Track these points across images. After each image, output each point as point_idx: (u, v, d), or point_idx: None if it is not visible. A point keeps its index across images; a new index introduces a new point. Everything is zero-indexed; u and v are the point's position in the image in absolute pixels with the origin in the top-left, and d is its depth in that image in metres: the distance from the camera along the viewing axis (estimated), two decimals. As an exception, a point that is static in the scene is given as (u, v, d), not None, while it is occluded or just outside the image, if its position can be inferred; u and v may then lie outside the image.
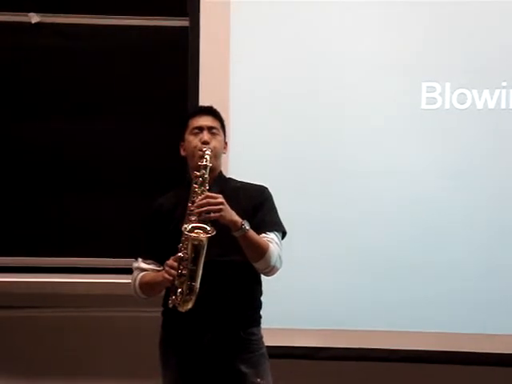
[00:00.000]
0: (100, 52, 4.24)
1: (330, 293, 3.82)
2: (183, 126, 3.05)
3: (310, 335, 3.83)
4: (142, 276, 3.00)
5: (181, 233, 2.79)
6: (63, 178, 4.28)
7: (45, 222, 4.27)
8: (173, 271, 2.73)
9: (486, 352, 3.80)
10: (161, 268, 2.91)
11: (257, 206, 2.97)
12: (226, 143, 3.08)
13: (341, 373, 3.98)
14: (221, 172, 3.05)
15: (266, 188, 3.06)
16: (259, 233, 2.89)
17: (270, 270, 2.92)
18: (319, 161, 3.84)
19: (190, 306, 2.75)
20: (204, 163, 2.84)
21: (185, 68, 3.94)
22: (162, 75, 4.21)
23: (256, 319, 3.02)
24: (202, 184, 2.82)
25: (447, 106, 3.83)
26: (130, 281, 3.07)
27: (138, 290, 3.02)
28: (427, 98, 3.83)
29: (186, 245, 2.73)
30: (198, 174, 2.84)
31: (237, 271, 2.91)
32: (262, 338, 3.03)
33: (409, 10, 3.83)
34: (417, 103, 3.83)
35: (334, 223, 3.82)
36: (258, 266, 2.89)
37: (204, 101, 3.82)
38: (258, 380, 2.94)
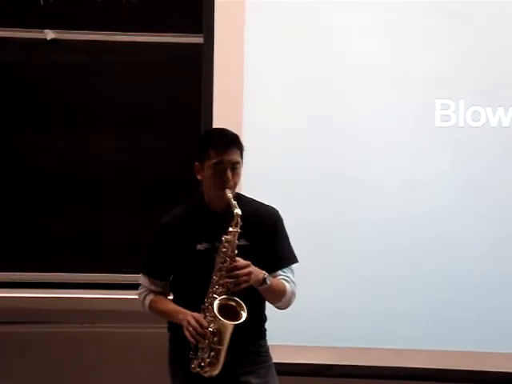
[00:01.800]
0: (114, 68, 4.27)
1: (341, 310, 3.80)
2: (202, 148, 2.88)
3: (320, 352, 3.81)
4: (154, 301, 2.99)
5: (192, 257, 2.84)
6: (72, 192, 4.30)
7: (51, 237, 4.29)
8: (199, 338, 2.74)
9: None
10: (166, 287, 2.98)
11: (270, 235, 2.94)
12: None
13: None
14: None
15: (278, 212, 3.01)
16: (275, 269, 2.91)
17: (285, 307, 2.97)
18: (330, 175, 3.83)
19: (216, 373, 2.80)
20: (235, 229, 2.76)
21: (199, 85, 3.95)
22: (176, 91, 4.23)
23: (263, 332, 3.03)
24: (231, 250, 2.76)
25: (461, 123, 3.81)
26: (136, 297, 3.07)
27: (146, 309, 3.04)
28: (441, 115, 3.82)
29: (213, 318, 2.75)
30: (228, 238, 2.77)
31: (243, 294, 2.86)
32: (268, 350, 3.04)
33: (424, 27, 3.82)
34: (431, 120, 3.82)
35: (345, 239, 3.82)
36: (273, 304, 2.95)
37: (218, 117, 3.86)
38: None
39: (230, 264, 2.74)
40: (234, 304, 2.75)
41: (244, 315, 2.72)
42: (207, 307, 2.78)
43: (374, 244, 3.81)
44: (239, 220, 2.76)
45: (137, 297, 3.07)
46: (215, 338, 2.75)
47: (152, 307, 3.00)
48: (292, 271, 2.98)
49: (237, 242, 2.77)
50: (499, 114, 3.78)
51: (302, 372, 3.79)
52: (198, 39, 4.07)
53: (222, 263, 2.77)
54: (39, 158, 4.29)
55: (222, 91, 3.91)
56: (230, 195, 2.79)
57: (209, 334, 2.75)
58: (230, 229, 2.76)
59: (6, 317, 4.17)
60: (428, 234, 3.79)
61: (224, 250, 2.77)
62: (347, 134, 3.85)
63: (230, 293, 2.75)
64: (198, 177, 2.92)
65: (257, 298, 2.90)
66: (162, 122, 4.26)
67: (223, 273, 2.76)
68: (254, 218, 2.90)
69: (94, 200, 4.30)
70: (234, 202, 2.78)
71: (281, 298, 2.91)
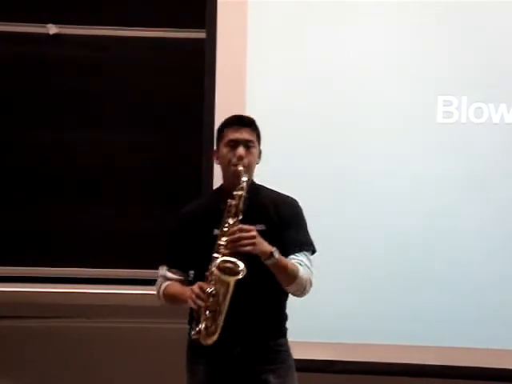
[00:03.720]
0: (117, 63, 4.28)
1: (345, 306, 3.80)
2: (218, 132, 2.98)
3: (324, 348, 3.81)
4: (167, 286, 3.00)
5: (209, 242, 2.80)
6: (80, 188, 4.31)
7: (64, 232, 4.31)
8: (199, 302, 2.72)
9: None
10: (184, 277, 2.96)
11: (287, 221, 2.95)
12: (260, 152, 3.01)
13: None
14: (252, 181, 2.99)
15: (297, 202, 3.03)
16: (289, 253, 2.90)
17: (301, 293, 2.94)
18: (332, 173, 3.84)
19: (213, 340, 2.76)
20: (239, 193, 2.78)
21: (201, 80, 3.94)
22: (178, 87, 4.23)
23: (283, 331, 3.03)
24: (235, 214, 2.77)
25: (463, 119, 3.80)
26: (152, 292, 3.09)
27: (162, 298, 3.04)
28: (443, 111, 3.81)
29: (215, 280, 2.72)
30: (232, 202, 2.78)
31: (264, 285, 2.90)
32: (289, 349, 3.04)
33: (426, 24, 3.81)
34: (433, 117, 3.81)
35: (349, 235, 3.81)
36: (289, 289, 2.92)
37: (220, 113, 3.84)
38: None
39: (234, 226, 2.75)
40: (231, 266, 2.69)
41: (242, 271, 2.66)
42: (210, 270, 2.75)
43: (374, 242, 3.80)
44: (245, 185, 2.79)
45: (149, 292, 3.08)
46: (214, 298, 2.71)
47: (165, 293, 2.99)
48: (308, 258, 2.95)
49: (241, 205, 2.77)
50: (502, 111, 3.77)
51: (304, 368, 3.79)
52: (200, 34, 4.06)
53: (226, 227, 2.77)
54: (41, 153, 4.30)
55: (224, 86, 3.90)
56: (241, 168, 2.83)
57: (209, 296, 2.72)
58: (234, 192, 2.79)
59: (10, 311, 4.20)
60: (429, 231, 3.79)
61: (229, 213, 2.78)
62: (349, 131, 3.84)
63: (234, 256, 2.72)
64: (216, 162, 2.99)
65: (277, 292, 2.93)
66: (163, 118, 4.26)
67: (227, 237, 2.75)
68: (270, 203, 2.95)
69: (94, 196, 4.32)
70: (245, 171, 2.82)
71: (294, 279, 2.86)
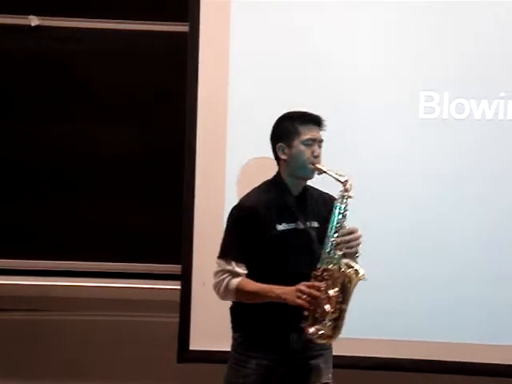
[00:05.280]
0: (99, 56, 4.25)
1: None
2: (289, 127, 3.03)
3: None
4: (242, 282, 2.95)
5: (271, 238, 2.92)
6: (77, 181, 4.31)
7: (58, 226, 4.30)
8: (315, 302, 2.80)
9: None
10: (247, 272, 2.95)
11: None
12: None
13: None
14: None
15: None
16: None
17: None
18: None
19: (335, 339, 2.89)
20: (350, 194, 2.94)
21: (183, 73, 3.92)
22: (161, 80, 4.21)
23: None
24: (344, 216, 2.93)
25: (445, 115, 3.83)
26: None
27: (231, 294, 2.97)
28: (425, 107, 3.84)
29: (335, 282, 2.84)
30: (342, 205, 2.93)
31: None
32: None
33: (408, 19, 3.83)
34: (414, 112, 3.84)
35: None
36: None
37: (202, 106, 3.85)
38: (330, 375, 3.07)
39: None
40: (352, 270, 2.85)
41: (364, 275, 2.84)
42: (324, 270, 2.86)
43: (365, 239, 3.77)
44: (350, 185, 2.94)
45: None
46: (339, 299, 2.83)
47: (240, 289, 2.94)
48: None
49: (348, 209, 2.94)
50: (483, 107, 3.81)
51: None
52: (182, 27, 4.04)
53: (338, 228, 2.91)
54: (28, 146, 4.28)
55: (206, 80, 3.89)
56: (325, 168, 2.96)
57: (333, 297, 2.82)
58: (346, 193, 2.94)
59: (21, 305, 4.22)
60: (414, 228, 3.82)
61: (340, 216, 2.92)
62: (330, 128, 3.83)
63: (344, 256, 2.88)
64: (283, 156, 3.03)
65: None
66: (145, 111, 4.25)
67: (338, 236, 2.90)
68: (320, 201, 3.08)
69: (102, 189, 4.31)
70: (334, 172, 2.94)
71: None
